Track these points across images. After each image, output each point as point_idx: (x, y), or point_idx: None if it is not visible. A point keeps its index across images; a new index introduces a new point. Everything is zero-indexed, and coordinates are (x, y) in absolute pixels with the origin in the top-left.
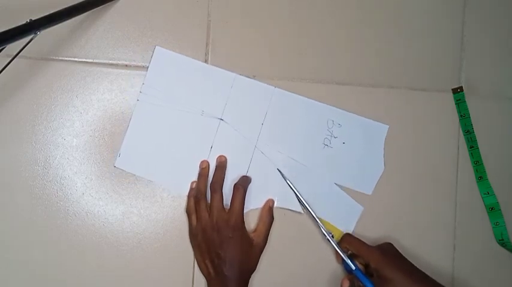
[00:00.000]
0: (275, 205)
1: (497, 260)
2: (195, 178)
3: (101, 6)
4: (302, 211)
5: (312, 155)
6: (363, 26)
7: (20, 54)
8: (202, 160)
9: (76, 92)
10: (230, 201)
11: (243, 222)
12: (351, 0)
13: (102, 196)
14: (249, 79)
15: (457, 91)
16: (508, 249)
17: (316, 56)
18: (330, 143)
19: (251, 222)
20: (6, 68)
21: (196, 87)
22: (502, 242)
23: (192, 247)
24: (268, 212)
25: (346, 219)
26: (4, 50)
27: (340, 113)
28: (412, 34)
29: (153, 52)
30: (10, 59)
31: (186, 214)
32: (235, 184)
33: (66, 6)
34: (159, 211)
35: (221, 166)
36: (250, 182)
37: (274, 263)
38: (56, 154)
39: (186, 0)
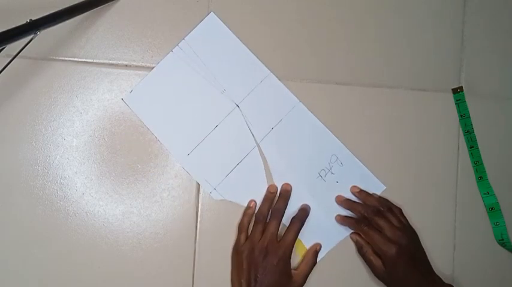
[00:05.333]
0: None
1: (497, 260)
2: (192, 147)
3: (100, 6)
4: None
5: (303, 179)
6: (363, 26)
7: (20, 54)
8: (271, 184)
9: (76, 92)
10: (284, 231)
11: (290, 255)
12: (352, 1)
13: (102, 196)
14: (279, 82)
15: (457, 91)
16: (508, 249)
17: (316, 56)
18: (325, 176)
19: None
20: (6, 68)
21: (229, 65)
22: (502, 242)
23: (232, 261)
24: (313, 255)
25: (331, 235)
26: (4, 50)
27: (346, 153)
28: (412, 34)
29: (206, 16)
30: (10, 59)
31: (237, 229)
32: (293, 217)
33: (66, 6)
34: (159, 211)
35: (285, 195)
36: (307, 215)
37: None
38: (56, 154)
39: (186, 0)
